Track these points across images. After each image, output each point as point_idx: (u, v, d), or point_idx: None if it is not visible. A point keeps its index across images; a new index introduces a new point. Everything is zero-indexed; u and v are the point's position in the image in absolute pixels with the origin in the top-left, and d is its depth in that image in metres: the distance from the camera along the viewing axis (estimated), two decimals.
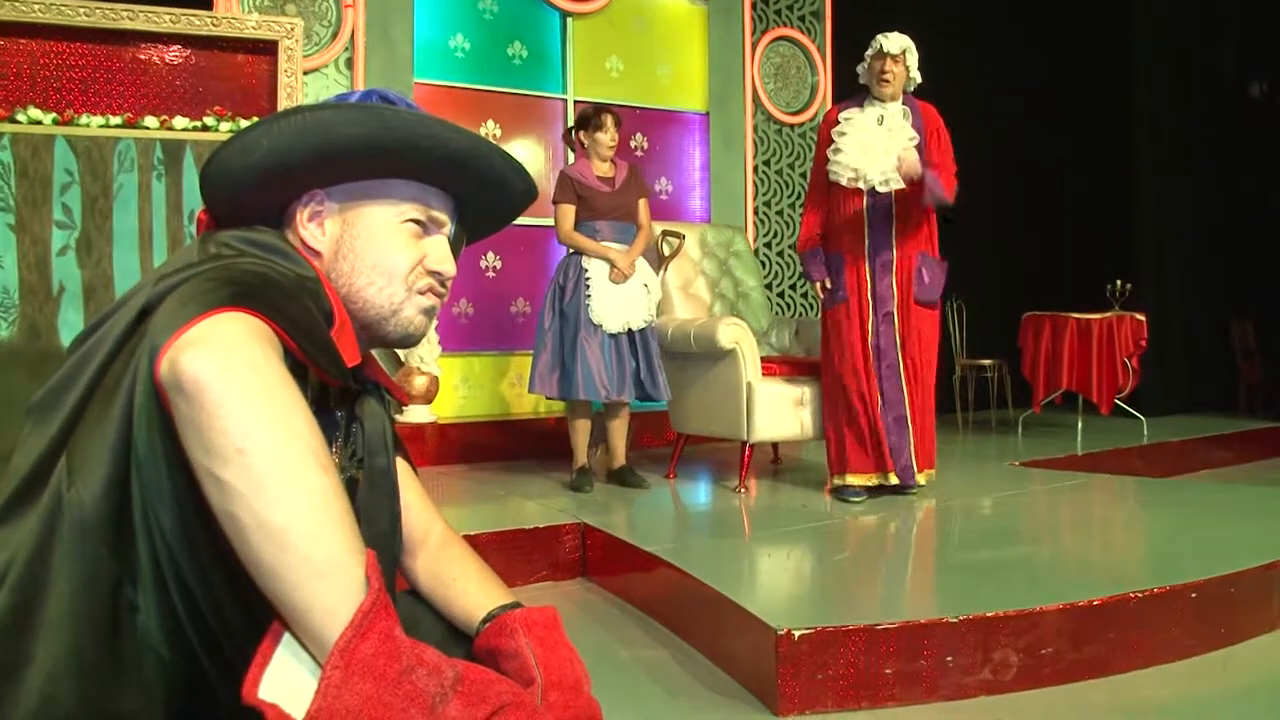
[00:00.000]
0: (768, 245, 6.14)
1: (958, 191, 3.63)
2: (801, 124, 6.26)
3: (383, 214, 1.01)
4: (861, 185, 3.62)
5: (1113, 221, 7.03)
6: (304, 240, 1.00)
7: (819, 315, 3.93)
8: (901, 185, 3.57)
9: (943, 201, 3.58)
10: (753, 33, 6.10)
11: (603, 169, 4.09)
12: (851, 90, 3.86)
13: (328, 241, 1.01)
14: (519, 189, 1.11)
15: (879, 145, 3.60)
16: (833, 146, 3.69)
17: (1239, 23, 7.16)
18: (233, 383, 0.68)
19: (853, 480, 3.66)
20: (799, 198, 6.25)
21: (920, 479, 3.67)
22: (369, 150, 0.96)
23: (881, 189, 3.59)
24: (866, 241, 3.66)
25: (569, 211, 4.00)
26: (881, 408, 3.63)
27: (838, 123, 3.72)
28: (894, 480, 3.62)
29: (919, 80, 3.73)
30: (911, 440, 3.64)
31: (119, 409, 0.77)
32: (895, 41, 3.63)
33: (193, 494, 0.73)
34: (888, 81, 3.64)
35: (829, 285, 3.75)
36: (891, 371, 3.63)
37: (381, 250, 1.00)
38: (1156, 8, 6.92)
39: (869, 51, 3.70)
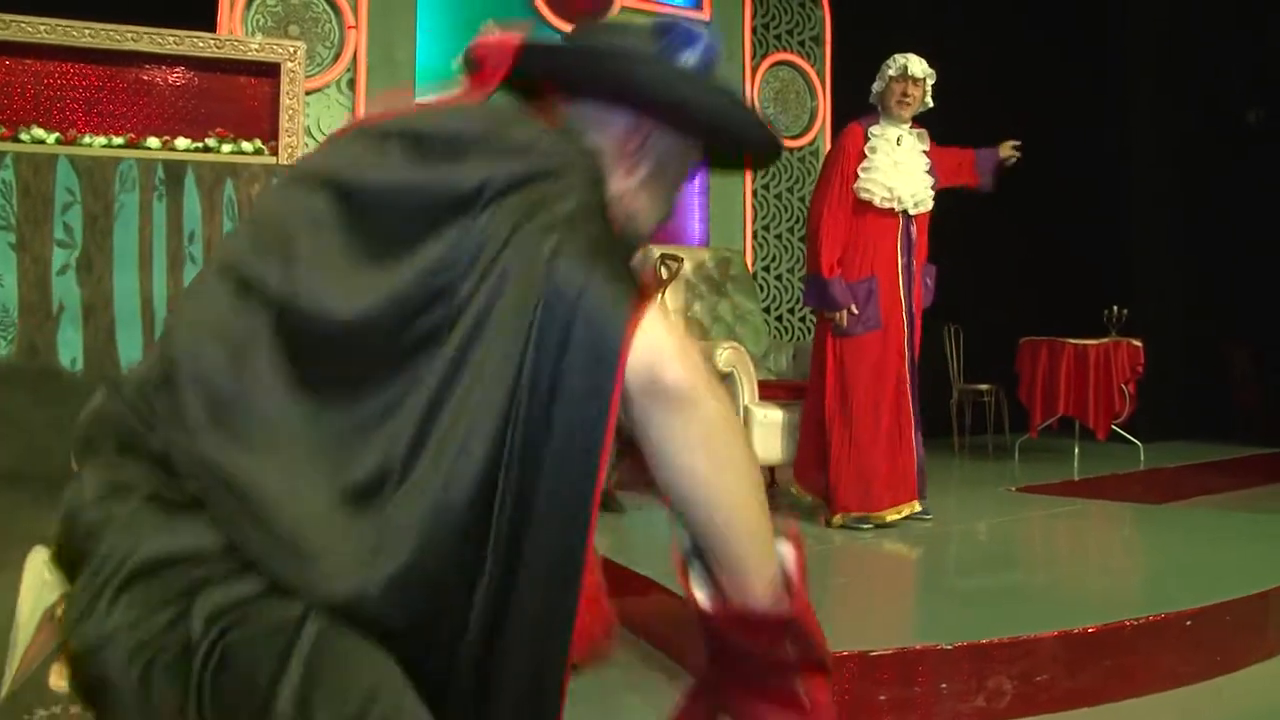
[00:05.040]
0: (766, 269, 6.16)
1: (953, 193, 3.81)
2: (801, 148, 6.29)
3: (681, 161, 1.11)
4: (895, 206, 3.55)
5: (1110, 247, 7.05)
6: (628, 167, 1.06)
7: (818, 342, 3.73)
8: (929, 208, 3.61)
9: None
10: (753, 57, 6.15)
11: None
12: (852, 114, 3.86)
13: (643, 171, 1.07)
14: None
15: (907, 164, 3.57)
16: (864, 164, 3.57)
17: (1238, 49, 7.21)
18: (716, 403, 0.87)
19: (875, 517, 3.52)
20: (798, 221, 6.27)
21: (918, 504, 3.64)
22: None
23: (914, 211, 3.57)
24: (900, 260, 3.59)
25: None
26: (915, 431, 3.57)
27: (867, 138, 3.61)
28: (918, 508, 3.56)
29: (931, 105, 3.69)
30: (918, 458, 3.60)
31: (506, 390, 0.83)
32: (919, 65, 3.59)
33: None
34: (908, 104, 3.59)
35: (855, 311, 3.52)
36: (914, 390, 3.59)
37: (674, 191, 1.12)
38: (1155, 34, 6.99)
39: (890, 71, 3.61)
